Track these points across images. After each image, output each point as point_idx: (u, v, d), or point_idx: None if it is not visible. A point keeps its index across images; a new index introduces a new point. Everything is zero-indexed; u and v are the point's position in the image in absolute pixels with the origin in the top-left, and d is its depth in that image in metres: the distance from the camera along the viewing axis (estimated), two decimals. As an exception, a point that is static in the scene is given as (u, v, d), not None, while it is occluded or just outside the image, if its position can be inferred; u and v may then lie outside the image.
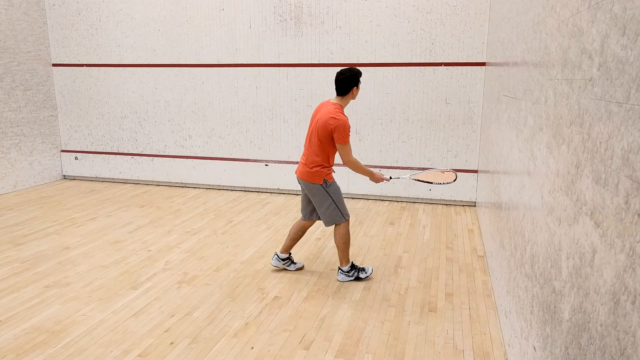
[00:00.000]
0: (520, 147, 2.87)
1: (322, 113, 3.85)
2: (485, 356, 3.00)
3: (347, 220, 4.00)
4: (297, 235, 4.18)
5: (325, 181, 3.91)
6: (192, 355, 3.00)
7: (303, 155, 4.04)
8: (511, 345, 2.80)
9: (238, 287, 3.94)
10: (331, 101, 3.91)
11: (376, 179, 4.00)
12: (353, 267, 4.08)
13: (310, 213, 4.13)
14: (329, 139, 3.82)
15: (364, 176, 3.97)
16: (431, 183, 4.05)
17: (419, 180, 4.07)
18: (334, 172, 4.21)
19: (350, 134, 3.83)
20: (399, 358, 2.98)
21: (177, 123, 7.32)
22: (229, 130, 7.10)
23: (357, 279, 4.07)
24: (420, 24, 6.14)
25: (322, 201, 3.94)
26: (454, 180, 3.99)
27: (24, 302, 3.69)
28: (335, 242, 4.03)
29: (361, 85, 6.39)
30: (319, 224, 5.35)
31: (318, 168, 3.89)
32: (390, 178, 4.05)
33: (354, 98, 3.94)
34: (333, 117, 3.74)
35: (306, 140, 4.03)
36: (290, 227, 5.46)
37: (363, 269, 4.12)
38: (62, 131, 7.90)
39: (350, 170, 3.82)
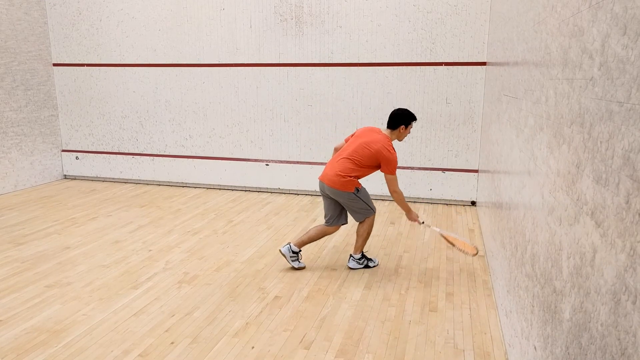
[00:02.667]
0: (521, 146, 2.87)
1: (373, 139, 4.04)
2: (486, 356, 3.00)
3: (374, 213, 4.25)
4: (317, 236, 4.28)
5: (356, 188, 4.10)
6: (193, 355, 3.00)
7: (336, 163, 4.12)
8: (512, 345, 2.80)
9: (238, 287, 3.94)
10: (382, 131, 4.15)
11: (411, 217, 4.25)
12: (363, 256, 4.32)
13: (337, 218, 4.23)
14: (374, 164, 4.05)
15: (401, 208, 4.20)
16: (454, 246, 4.23)
17: (444, 238, 4.25)
18: None
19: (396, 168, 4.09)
20: (399, 358, 2.98)
21: (177, 123, 7.32)
22: (230, 130, 7.11)
23: (366, 266, 4.31)
24: (421, 24, 6.13)
25: (353, 204, 4.14)
26: (474, 255, 4.17)
27: (25, 302, 3.69)
28: (359, 232, 4.25)
29: (360, 86, 6.42)
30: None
31: (352, 178, 4.05)
32: (423, 223, 4.31)
33: (399, 138, 4.19)
34: (387, 150, 3.98)
35: (344, 150, 4.15)
36: (291, 228, 5.45)
37: (371, 259, 4.37)
38: (63, 131, 7.91)
39: (391, 192, 4.10)
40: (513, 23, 3.61)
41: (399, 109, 4.16)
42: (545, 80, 2.27)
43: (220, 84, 7.00)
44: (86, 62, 7.56)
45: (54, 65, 7.69)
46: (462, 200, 6.39)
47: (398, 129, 4.11)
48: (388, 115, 4.21)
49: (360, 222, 4.23)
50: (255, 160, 7.06)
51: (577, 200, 1.62)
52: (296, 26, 6.54)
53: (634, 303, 1.13)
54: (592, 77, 1.53)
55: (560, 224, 1.84)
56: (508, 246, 3.15)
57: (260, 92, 6.87)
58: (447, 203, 6.45)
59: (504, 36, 4.20)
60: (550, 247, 1.98)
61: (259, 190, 7.13)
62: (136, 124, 7.52)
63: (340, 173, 4.03)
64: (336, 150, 4.34)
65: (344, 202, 4.13)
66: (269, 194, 7.01)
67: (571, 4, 1.85)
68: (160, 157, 7.47)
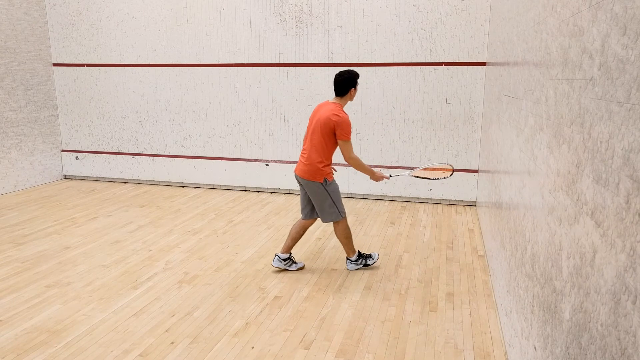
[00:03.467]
0: (521, 146, 2.87)
1: (323, 111, 3.95)
2: (486, 356, 3.00)
3: (344, 218, 4.13)
4: (298, 234, 4.21)
5: (325, 180, 3.99)
6: (193, 355, 3.00)
7: (302, 154, 4.09)
8: (512, 345, 2.80)
9: (238, 287, 3.94)
10: (330, 101, 4.04)
11: (376, 177, 4.13)
12: (360, 255, 4.27)
13: (311, 212, 4.19)
14: (330, 136, 3.93)
15: (364, 174, 4.03)
16: (429, 179, 4.08)
17: (417, 177, 4.13)
18: (335, 170, 4.22)
19: (351, 132, 3.94)
20: (399, 358, 2.98)
21: (177, 123, 7.32)
22: (230, 130, 7.10)
23: (365, 265, 4.26)
24: (421, 24, 6.13)
25: (321, 200, 4.03)
26: (451, 174, 4.04)
27: (25, 302, 3.69)
28: (338, 238, 4.20)
29: (360, 86, 6.41)
30: (319, 224, 5.35)
31: (319, 166, 3.95)
32: (390, 176, 4.15)
33: (351, 99, 4.06)
34: (335, 114, 3.87)
35: (306, 139, 4.09)
36: (291, 226, 5.46)
37: (370, 256, 4.32)
38: (63, 131, 7.91)
39: (352, 168, 3.89)
40: (513, 23, 3.61)
41: (340, 74, 3.96)
42: (545, 80, 2.27)
43: (220, 84, 7.00)
44: (86, 62, 7.56)
45: (54, 65, 7.69)
46: (462, 200, 6.39)
47: (348, 93, 3.97)
48: (353, 75, 3.97)
49: (334, 229, 4.15)
50: (255, 160, 7.06)
51: (577, 200, 1.62)
52: (296, 26, 6.54)
53: (633, 303, 1.13)
54: (592, 77, 1.53)
55: (560, 224, 1.84)
56: (508, 246, 3.15)
57: (260, 92, 6.87)
58: (447, 203, 6.45)
59: (503, 36, 4.20)
60: (550, 247, 1.98)
61: (259, 190, 7.13)
62: (136, 124, 7.52)
63: (306, 162, 3.99)
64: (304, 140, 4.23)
65: (312, 196, 4.03)
66: (269, 194, 7.01)
67: (571, 4, 1.85)
68: (160, 157, 7.47)
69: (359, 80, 4.14)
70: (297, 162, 6.81)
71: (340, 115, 3.87)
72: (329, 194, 4.01)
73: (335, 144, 3.98)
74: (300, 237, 4.24)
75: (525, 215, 2.59)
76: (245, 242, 4.99)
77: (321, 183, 3.98)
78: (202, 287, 3.94)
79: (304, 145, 4.11)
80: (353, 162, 3.97)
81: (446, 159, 6.34)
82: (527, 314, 2.37)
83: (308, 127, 4.08)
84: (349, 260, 4.26)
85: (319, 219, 4.43)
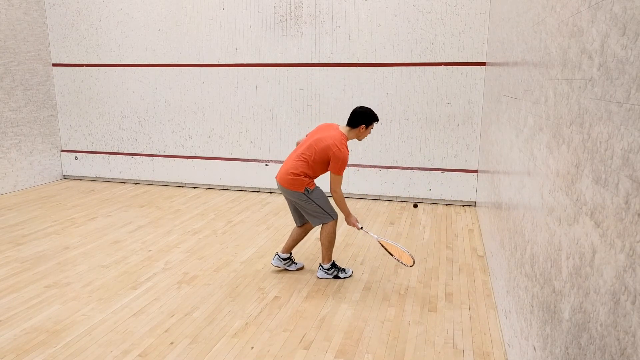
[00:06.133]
0: (520, 147, 2.87)
1: (327, 135, 3.84)
2: (485, 356, 3.00)
3: (335, 220, 4.01)
4: (300, 236, 4.17)
5: (306, 189, 3.89)
6: (192, 355, 3.00)
7: (288, 160, 3.97)
8: (511, 345, 2.80)
9: (238, 287, 3.94)
10: (340, 128, 3.93)
11: (350, 221, 3.97)
12: (334, 265, 4.10)
13: (301, 217, 4.12)
14: (323, 163, 3.85)
15: (339, 210, 3.93)
16: (392, 255, 3.86)
17: (382, 246, 3.92)
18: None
19: (344, 169, 3.85)
20: (399, 358, 2.98)
21: (177, 123, 7.32)
22: (229, 130, 7.10)
23: (336, 277, 4.09)
24: (421, 24, 6.14)
25: (306, 206, 3.94)
26: (410, 266, 3.78)
27: (24, 302, 3.69)
28: (320, 239, 4.06)
29: (360, 86, 6.42)
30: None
31: (301, 177, 3.87)
32: (361, 229, 3.98)
33: (358, 137, 3.96)
34: (337, 147, 3.77)
35: (299, 147, 3.98)
36: (291, 227, 5.45)
37: (343, 269, 4.14)
38: (62, 131, 7.90)
39: (351, 169, 3.80)
40: (512, 23, 3.61)
41: (361, 107, 3.92)
42: (544, 81, 2.27)
43: (219, 84, 7.00)
44: (85, 62, 7.56)
45: (54, 65, 7.69)
46: (462, 201, 6.39)
47: (358, 128, 3.89)
48: (371, 114, 3.94)
49: (320, 229, 4.04)
50: (255, 161, 7.06)
51: (577, 200, 1.62)
52: (296, 26, 6.54)
53: (633, 303, 1.13)
54: (591, 78, 1.53)
55: (559, 224, 1.84)
56: (507, 246, 3.15)
57: (259, 92, 6.87)
58: (447, 203, 6.45)
59: (503, 36, 4.20)
60: (549, 247, 1.98)
61: (259, 191, 7.12)
62: (135, 124, 7.51)
63: (291, 171, 3.86)
64: (297, 144, 4.12)
65: (297, 203, 3.95)
66: (269, 194, 7.01)
67: (570, 4, 1.85)
68: (160, 157, 7.47)
69: (375, 125, 4.00)
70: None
71: (341, 150, 3.76)
72: (313, 201, 3.91)
73: (326, 170, 3.90)
74: (302, 239, 4.20)
75: (525, 216, 2.59)
76: (245, 242, 4.99)
77: (303, 193, 3.89)
78: (201, 287, 3.94)
79: (294, 152, 3.99)
80: (337, 196, 3.84)
81: (446, 159, 6.34)
82: (526, 314, 2.37)
83: (306, 138, 3.99)
84: (322, 267, 4.09)
85: None
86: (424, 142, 6.40)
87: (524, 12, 3.04)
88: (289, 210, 4.34)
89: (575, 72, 1.73)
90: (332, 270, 4.09)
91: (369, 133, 4.00)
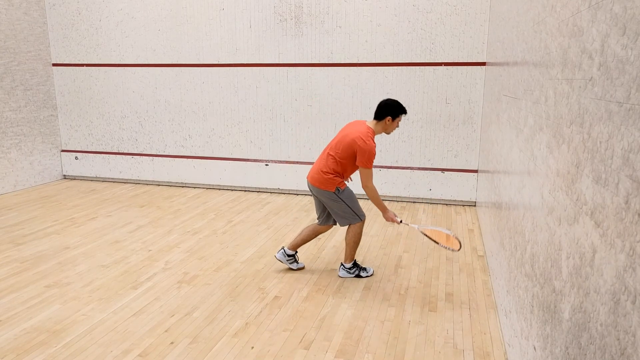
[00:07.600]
0: (521, 146, 2.87)
1: (353, 130, 3.85)
2: (486, 356, 3.00)
3: (363, 221, 4.03)
4: (309, 237, 4.18)
5: (337, 188, 3.92)
6: (192, 355, 3.00)
7: (319, 160, 4.01)
8: (511, 345, 2.80)
9: (238, 287, 3.94)
10: (366, 123, 3.92)
11: (388, 216, 3.94)
12: (355, 265, 4.13)
13: (327, 218, 4.13)
14: (351, 158, 3.84)
15: (376, 205, 3.91)
16: (437, 243, 3.81)
17: (425, 235, 3.88)
18: (351, 180, 4.19)
19: (373, 161, 3.81)
20: (399, 358, 2.98)
21: (177, 123, 7.32)
22: (229, 130, 7.10)
23: (358, 276, 4.12)
24: (421, 24, 6.14)
25: (336, 206, 3.97)
26: (458, 250, 3.70)
27: (24, 302, 3.69)
28: (346, 239, 4.07)
29: (360, 86, 6.42)
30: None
31: (332, 176, 3.89)
32: (401, 222, 3.94)
33: (387, 131, 3.91)
34: (362, 140, 3.74)
35: (328, 147, 4.01)
36: (292, 228, 5.45)
37: (365, 269, 4.16)
38: (62, 131, 7.90)
39: (363, 187, 3.79)
40: (512, 23, 3.61)
41: (388, 99, 3.88)
42: (544, 80, 2.27)
43: (219, 84, 7.00)
44: (85, 62, 7.56)
45: (54, 65, 7.69)
46: (462, 200, 6.39)
47: (384, 120, 3.84)
48: (398, 106, 3.88)
49: (347, 229, 4.06)
50: (255, 160, 7.06)
51: (577, 200, 1.62)
52: (296, 26, 6.54)
53: (633, 303, 1.13)
54: (591, 77, 1.53)
55: (559, 224, 1.84)
56: (507, 246, 3.15)
57: (259, 92, 6.87)
58: (447, 203, 6.45)
59: (503, 36, 4.20)
60: (549, 247, 1.98)
61: (259, 191, 7.13)
62: (136, 124, 7.51)
63: (321, 170, 3.91)
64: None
65: (326, 203, 3.97)
66: (269, 194, 7.01)
67: (571, 4, 1.85)
68: (160, 157, 7.47)
69: (402, 117, 3.95)
70: (297, 162, 6.83)
71: (367, 142, 3.73)
72: (343, 200, 3.93)
73: (355, 167, 3.90)
74: (311, 240, 4.21)
75: (525, 215, 2.59)
76: (245, 242, 4.99)
77: (333, 192, 3.91)
78: (201, 287, 3.94)
79: (324, 151, 4.02)
80: (369, 191, 3.82)
81: (446, 159, 6.34)
82: (526, 314, 2.37)
83: (335, 137, 4.01)
84: (343, 266, 4.13)
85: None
86: (424, 142, 6.40)
87: (524, 12, 3.04)
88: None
89: (575, 72, 1.73)
90: (354, 269, 4.12)
91: (397, 126, 3.93)
